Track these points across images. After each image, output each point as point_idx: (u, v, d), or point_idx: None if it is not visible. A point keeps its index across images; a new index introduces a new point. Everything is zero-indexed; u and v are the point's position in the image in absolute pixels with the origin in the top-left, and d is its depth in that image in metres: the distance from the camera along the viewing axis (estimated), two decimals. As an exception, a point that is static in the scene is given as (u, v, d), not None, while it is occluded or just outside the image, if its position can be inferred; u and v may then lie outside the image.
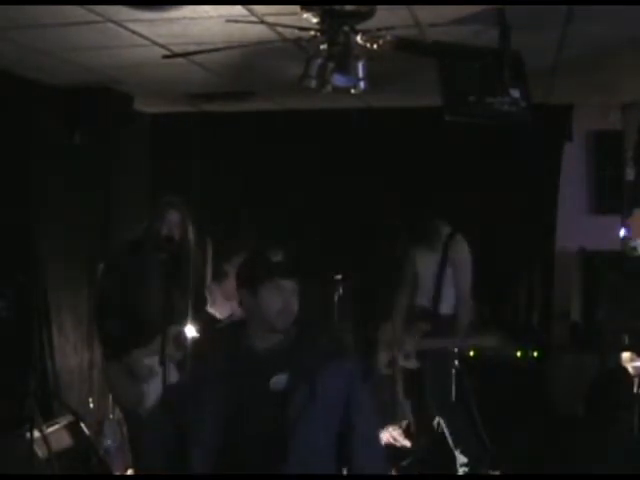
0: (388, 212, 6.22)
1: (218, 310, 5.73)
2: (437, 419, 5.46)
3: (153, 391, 4.25)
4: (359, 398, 2.55)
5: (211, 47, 4.13)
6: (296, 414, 2.40)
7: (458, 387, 5.31)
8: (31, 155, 5.41)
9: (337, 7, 3.51)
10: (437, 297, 5.26)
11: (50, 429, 4.59)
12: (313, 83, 3.83)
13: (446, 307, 5.27)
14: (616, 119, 6.13)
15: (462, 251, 5.26)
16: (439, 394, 5.28)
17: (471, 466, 5.18)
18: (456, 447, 5.22)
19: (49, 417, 4.85)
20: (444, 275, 5.25)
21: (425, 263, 5.32)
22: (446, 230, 5.30)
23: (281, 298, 2.51)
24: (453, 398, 5.27)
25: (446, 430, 5.26)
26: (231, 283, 5.99)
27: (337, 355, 2.57)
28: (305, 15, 3.59)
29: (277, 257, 2.55)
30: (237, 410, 2.43)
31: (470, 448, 5.19)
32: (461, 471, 5.20)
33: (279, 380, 2.43)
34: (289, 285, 2.53)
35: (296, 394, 2.41)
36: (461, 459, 5.20)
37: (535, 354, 5.65)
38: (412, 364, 5.34)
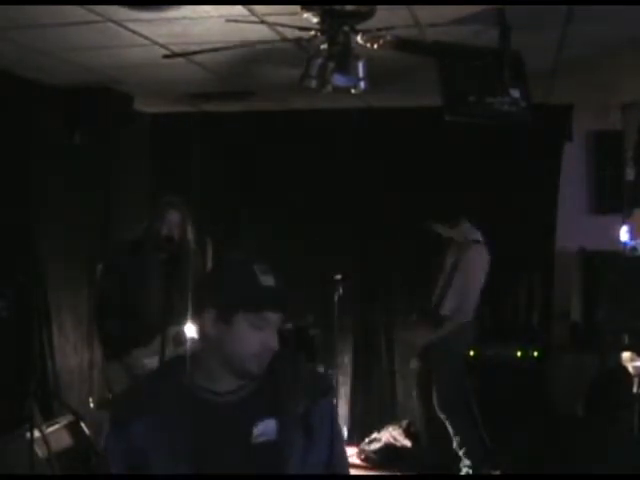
0: (388, 212, 6.24)
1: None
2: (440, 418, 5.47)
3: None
4: (338, 425, 2.18)
5: (211, 47, 4.13)
6: (295, 464, 1.96)
7: (459, 387, 5.32)
8: (31, 155, 5.41)
9: (337, 7, 3.51)
10: (441, 298, 5.29)
11: (50, 429, 4.59)
12: (313, 83, 3.83)
13: (446, 309, 5.30)
14: (616, 119, 6.13)
15: (474, 258, 5.30)
16: (445, 395, 5.29)
17: (474, 467, 5.19)
18: (460, 448, 5.23)
19: (49, 417, 4.84)
20: (453, 278, 5.28)
21: (444, 264, 5.36)
22: (471, 235, 5.34)
23: (262, 335, 1.93)
24: (458, 399, 5.29)
25: (450, 431, 5.27)
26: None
27: (320, 389, 2.09)
28: (305, 15, 3.59)
29: (267, 279, 1.93)
30: (211, 472, 1.91)
31: (474, 450, 5.20)
32: (464, 471, 5.21)
33: (266, 429, 1.93)
34: (275, 319, 1.94)
35: (291, 443, 1.96)
36: (465, 461, 5.21)
37: (535, 354, 5.66)
38: (413, 363, 5.39)
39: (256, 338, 1.91)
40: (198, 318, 1.97)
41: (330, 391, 2.21)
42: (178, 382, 1.96)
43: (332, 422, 2.11)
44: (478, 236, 5.41)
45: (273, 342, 1.94)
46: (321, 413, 2.04)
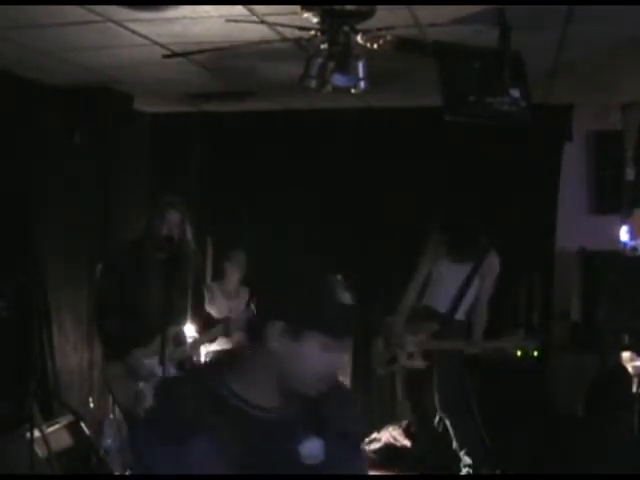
0: (388, 212, 6.23)
1: (217, 309, 5.74)
2: (437, 418, 5.47)
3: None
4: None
5: (211, 47, 4.13)
6: None
7: (459, 387, 5.32)
8: (31, 155, 5.41)
9: (337, 7, 3.51)
10: (457, 303, 5.28)
11: (50, 429, 4.59)
12: (313, 83, 3.83)
13: (460, 313, 5.30)
14: (616, 119, 6.13)
15: (495, 266, 5.33)
16: (446, 395, 5.29)
17: (474, 467, 5.19)
18: (461, 448, 5.23)
19: (49, 417, 4.84)
20: (471, 284, 5.28)
21: (452, 268, 5.33)
22: (484, 242, 5.34)
23: (331, 357, 1.76)
24: (458, 399, 5.29)
25: (451, 431, 5.27)
26: (230, 282, 6.06)
27: (350, 402, 1.97)
28: (305, 15, 3.59)
29: (347, 297, 1.79)
30: None
31: (475, 450, 5.21)
32: (464, 471, 5.21)
33: (313, 448, 1.78)
34: (349, 341, 1.81)
35: (339, 459, 1.83)
36: (466, 460, 5.21)
37: (535, 354, 5.65)
38: (419, 364, 5.35)
39: (324, 360, 1.74)
40: (256, 328, 1.76)
41: (353, 404, 2.07)
42: (217, 393, 1.76)
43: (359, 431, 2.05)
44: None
45: (341, 365, 1.79)
46: (354, 421, 1.96)
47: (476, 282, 5.31)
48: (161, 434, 1.72)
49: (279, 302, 1.75)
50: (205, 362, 1.77)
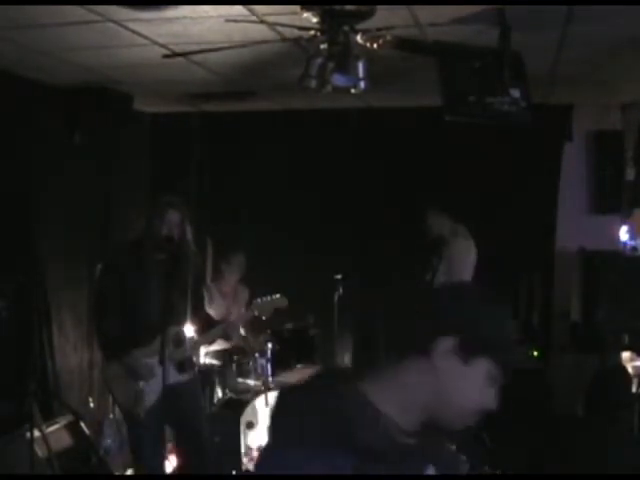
0: (388, 212, 6.24)
1: (215, 310, 5.74)
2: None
3: (152, 391, 4.26)
4: None
5: (211, 47, 4.13)
6: None
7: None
8: (31, 155, 5.41)
9: (337, 7, 3.51)
10: None
11: (50, 429, 4.60)
12: (313, 83, 3.83)
13: None
14: (616, 119, 6.13)
15: (458, 249, 5.28)
16: None
17: (470, 463, 5.18)
18: (451, 444, 5.22)
19: (49, 417, 4.85)
20: (437, 272, 5.27)
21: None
22: (447, 226, 5.33)
23: (491, 392, 1.67)
24: None
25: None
26: (228, 283, 6.06)
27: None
28: (305, 15, 3.59)
29: (512, 328, 1.69)
30: None
31: (466, 445, 5.19)
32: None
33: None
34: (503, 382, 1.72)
35: None
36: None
37: (535, 354, 5.65)
38: None
39: (484, 391, 1.64)
40: (419, 341, 1.61)
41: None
42: (359, 409, 1.57)
43: None
44: (460, 231, 5.41)
45: (493, 404, 1.67)
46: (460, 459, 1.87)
47: (444, 268, 5.28)
48: (322, 452, 1.52)
49: (460, 319, 1.61)
50: (331, 371, 1.52)
